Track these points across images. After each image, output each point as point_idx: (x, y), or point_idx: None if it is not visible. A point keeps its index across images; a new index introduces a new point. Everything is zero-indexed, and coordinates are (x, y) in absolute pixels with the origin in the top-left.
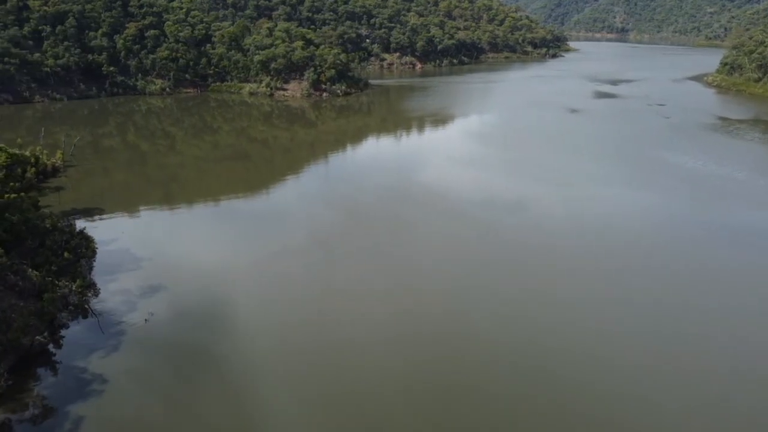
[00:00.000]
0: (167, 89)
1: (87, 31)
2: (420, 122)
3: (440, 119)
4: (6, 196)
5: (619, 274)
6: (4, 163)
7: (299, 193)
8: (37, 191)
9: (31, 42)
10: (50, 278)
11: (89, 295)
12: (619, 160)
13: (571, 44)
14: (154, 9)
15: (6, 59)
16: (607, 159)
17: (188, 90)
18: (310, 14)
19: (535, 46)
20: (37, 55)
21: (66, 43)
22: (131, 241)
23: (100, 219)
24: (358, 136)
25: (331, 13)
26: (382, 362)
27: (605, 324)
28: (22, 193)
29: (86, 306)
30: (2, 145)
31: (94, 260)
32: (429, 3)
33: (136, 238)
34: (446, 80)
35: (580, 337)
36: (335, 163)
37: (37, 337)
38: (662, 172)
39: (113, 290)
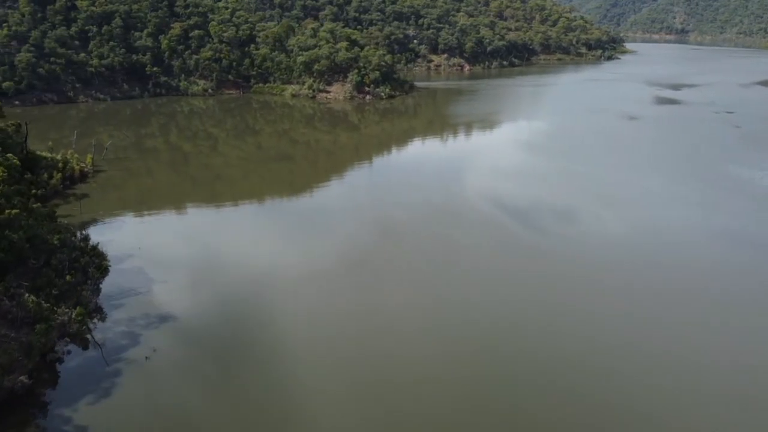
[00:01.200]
0: (209, 90)
1: (132, 32)
2: (467, 128)
3: (488, 125)
4: (7, 211)
5: (690, 309)
6: (2, 176)
7: (339, 203)
8: (62, 198)
9: (77, 42)
10: (50, 303)
11: (94, 321)
12: (684, 175)
13: (628, 46)
14: (200, 9)
15: (52, 59)
16: (671, 174)
17: (230, 91)
18: (357, 14)
19: (589, 47)
20: (83, 55)
21: (111, 43)
22: (147, 258)
23: (119, 230)
24: (401, 141)
25: (379, 14)
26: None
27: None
28: (37, 204)
29: (86, 336)
30: (30, 149)
31: (102, 281)
32: (479, 3)
33: (154, 254)
34: (495, 83)
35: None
36: (377, 170)
37: (21, 378)
38: (733, 189)
39: (120, 317)
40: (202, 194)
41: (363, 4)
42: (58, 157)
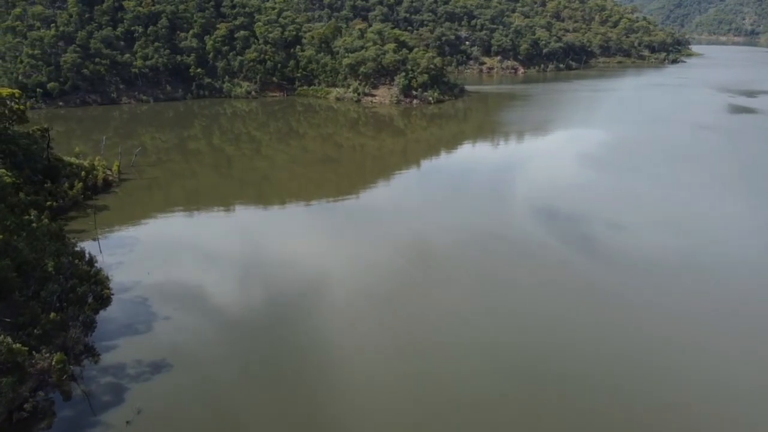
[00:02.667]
0: (253, 92)
1: (178, 32)
2: (520, 137)
3: (543, 134)
4: None
5: None
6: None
7: (381, 214)
8: (81, 209)
9: (122, 43)
10: (30, 345)
11: (82, 364)
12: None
13: (693, 48)
14: (247, 9)
15: (97, 60)
16: (752, 196)
17: (274, 93)
18: (407, 15)
19: (652, 50)
20: (127, 56)
21: (156, 44)
22: (155, 286)
23: (132, 249)
24: (449, 149)
25: (430, 14)
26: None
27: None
28: (44, 221)
29: (67, 389)
30: (59, 154)
31: (101, 312)
32: (535, 3)
33: (161, 282)
34: (551, 87)
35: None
36: (422, 179)
37: None
38: None
39: (113, 360)
40: (221, 209)
41: (414, 4)
42: (85, 163)
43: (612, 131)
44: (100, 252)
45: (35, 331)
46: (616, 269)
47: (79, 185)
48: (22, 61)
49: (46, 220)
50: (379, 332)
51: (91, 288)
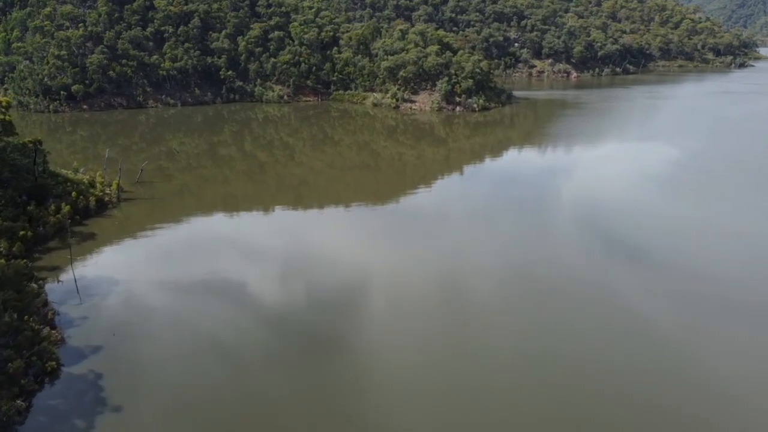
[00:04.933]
0: (286, 96)
1: (210, 32)
2: (572, 151)
3: (601, 149)
4: None
5: None
6: None
7: (418, 231)
8: (68, 237)
9: (151, 43)
10: None
11: None
12: None
13: (761, 51)
14: (283, 9)
15: (124, 61)
16: None
17: (308, 98)
18: (453, 15)
19: (717, 53)
20: (155, 57)
21: (186, 44)
22: (117, 356)
23: (107, 296)
24: (492, 161)
25: (477, 14)
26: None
27: None
28: (9, 260)
29: None
30: (54, 169)
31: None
32: (590, 2)
33: (126, 349)
34: (607, 94)
35: None
36: (463, 192)
37: None
38: None
39: None
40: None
41: (460, 3)
42: (85, 179)
43: (679, 145)
44: (78, 294)
45: None
46: (690, 332)
47: (66, 208)
48: (48, 62)
49: (13, 259)
50: (410, 340)
51: (32, 360)
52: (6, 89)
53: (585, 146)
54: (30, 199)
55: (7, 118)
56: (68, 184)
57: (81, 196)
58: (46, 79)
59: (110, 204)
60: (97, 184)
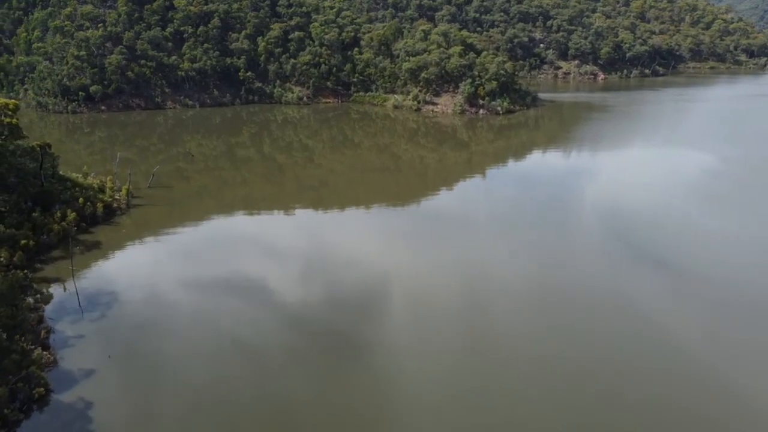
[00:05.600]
0: (305, 98)
1: (230, 33)
2: (601, 157)
3: (628, 154)
4: None
5: None
6: None
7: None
8: (75, 245)
9: (170, 44)
10: None
11: None
12: None
13: None
14: (304, 9)
15: (142, 62)
16: None
17: (328, 100)
18: (477, 15)
19: (750, 54)
20: (174, 58)
21: (205, 45)
22: (109, 383)
23: (104, 313)
24: (516, 168)
25: (502, 14)
26: None
27: None
28: (10, 271)
29: None
30: (64, 172)
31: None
32: (618, 2)
33: (121, 374)
34: (635, 96)
35: None
36: (485, 197)
37: None
38: None
39: None
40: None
41: (485, 3)
42: (95, 183)
43: (712, 151)
44: (80, 307)
45: None
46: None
47: (72, 215)
48: (67, 63)
49: (13, 270)
50: (429, 343)
51: (18, 386)
52: (26, 90)
53: (612, 151)
54: (35, 206)
55: (13, 121)
56: (76, 189)
57: (88, 203)
58: (65, 80)
59: (119, 210)
60: (107, 189)
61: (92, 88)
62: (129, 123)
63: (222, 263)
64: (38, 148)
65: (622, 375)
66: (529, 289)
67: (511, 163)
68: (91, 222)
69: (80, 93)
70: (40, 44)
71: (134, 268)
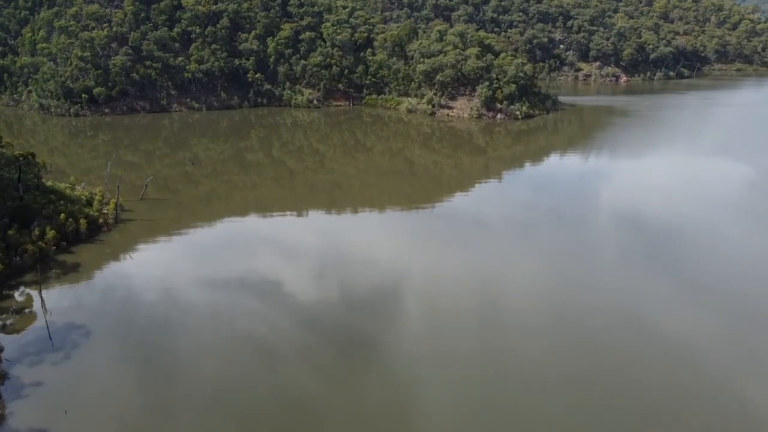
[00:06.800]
0: (315, 101)
1: (239, 33)
2: (619, 163)
3: (661, 167)
4: None
5: None
6: None
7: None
8: (47, 268)
9: (177, 45)
10: None
11: None
12: None
13: None
14: (315, 8)
15: (148, 63)
16: None
17: (339, 103)
18: (495, 15)
19: None
20: (181, 59)
21: (213, 46)
22: None
23: (70, 352)
24: (534, 176)
25: (521, 14)
26: None
27: None
28: None
29: None
30: (51, 182)
31: None
32: (641, 2)
33: None
34: (660, 100)
35: None
36: (500, 205)
37: None
38: None
39: None
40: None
41: (503, 3)
42: (84, 194)
43: (753, 164)
44: (51, 344)
45: None
46: None
47: (51, 233)
48: (71, 64)
49: None
50: (442, 347)
51: None
52: (29, 91)
53: (638, 159)
54: (12, 222)
55: None
56: (61, 202)
57: (70, 219)
58: (68, 82)
59: (105, 227)
60: (95, 202)
61: (96, 90)
62: (133, 126)
63: (202, 296)
64: (20, 158)
65: (644, 393)
66: (545, 297)
67: (530, 169)
68: (73, 240)
69: (83, 95)
70: (44, 45)
71: (111, 294)
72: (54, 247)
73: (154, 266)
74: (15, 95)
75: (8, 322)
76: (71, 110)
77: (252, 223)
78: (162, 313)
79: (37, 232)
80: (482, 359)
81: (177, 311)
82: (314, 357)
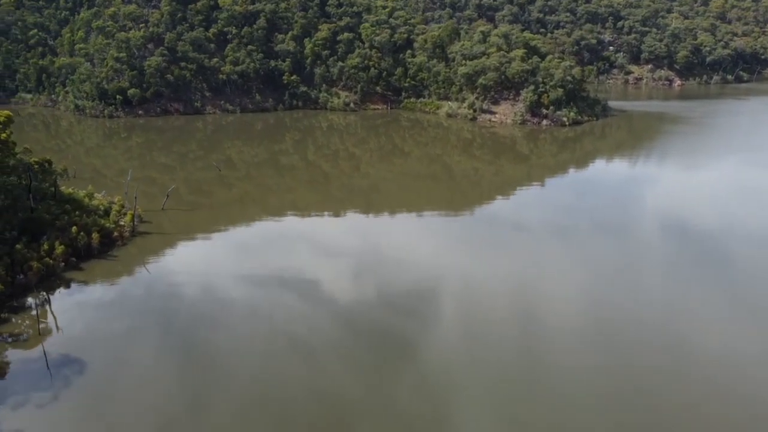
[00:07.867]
0: (352, 104)
1: (276, 34)
2: (675, 176)
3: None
4: None
5: None
6: None
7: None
8: (59, 284)
9: (213, 45)
10: None
11: None
12: None
13: None
14: (354, 8)
15: (183, 64)
16: None
17: (376, 106)
18: (541, 15)
19: None
20: (216, 60)
21: (249, 47)
22: None
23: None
24: (581, 185)
25: (568, 14)
26: None
27: None
28: None
29: None
30: (72, 190)
31: None
32: (696, 2)
33: None
34: (717, 107)
35: None
36: (543, 212)
37: None
38: None
39: None
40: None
41: (549, 3)
42: (103, 203)
43: None
44: (49, 372)
45: None
46: None
47: (60, 249)
48: (107, 64)
49: None
50: (480, 353)
51: None
52: (66, 92)
53: (696, 172)
54: (21, 235)
55: (3, 135)
56: (76, 213)
57: (82, 233)
58: (103, 83)
59: (120, 240)
60: (113, 212)
61: (130, 92)
62: (167, 128)
63: (219, 325)
64: (35, 165)
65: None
66: (584, 310)
67: (575, 176)
68: (84, 254)
69: (117, 96)
70: (82, 45)
71: (116, 325)
72: (63, 263)
73: (164, 285)
74: (53, 95)
75: (5, 352)
76: (105, 111)
77: (290, 223)
78: (170, 345)
79: (45, 246)
80: (519, 370)
81: (195, 346)
82: (350, 356)
